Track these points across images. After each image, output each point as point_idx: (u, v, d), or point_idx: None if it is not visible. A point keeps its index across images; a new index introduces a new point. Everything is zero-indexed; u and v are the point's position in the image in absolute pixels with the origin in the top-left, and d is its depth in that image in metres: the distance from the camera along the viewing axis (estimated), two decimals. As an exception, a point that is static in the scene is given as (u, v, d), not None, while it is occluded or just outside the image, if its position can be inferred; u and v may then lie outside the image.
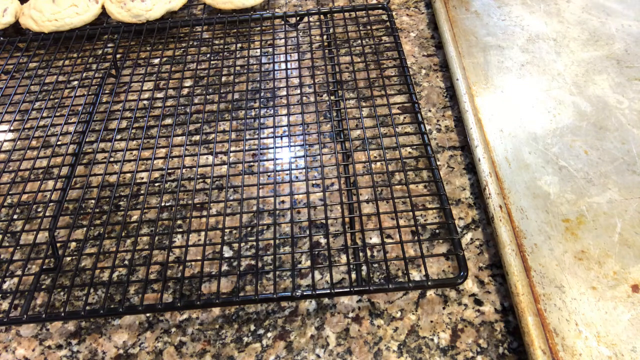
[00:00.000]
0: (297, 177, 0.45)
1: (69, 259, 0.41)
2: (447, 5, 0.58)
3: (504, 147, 0.44)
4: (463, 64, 0.50)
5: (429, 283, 0.34)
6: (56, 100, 0.54)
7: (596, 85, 0.48)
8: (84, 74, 0.55)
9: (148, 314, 0.37)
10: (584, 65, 0.50)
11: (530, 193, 0.41)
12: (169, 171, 0.46)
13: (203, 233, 0.41)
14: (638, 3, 0.57)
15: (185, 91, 0.54)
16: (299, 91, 0.50)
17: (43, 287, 0.39)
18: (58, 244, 0.41)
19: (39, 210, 0.45)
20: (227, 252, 0.40)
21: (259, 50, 0.57)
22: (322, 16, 0.59)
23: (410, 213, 0.41)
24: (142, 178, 0.46)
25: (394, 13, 0.61)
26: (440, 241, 0.40)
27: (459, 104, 0.46)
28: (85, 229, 0.40)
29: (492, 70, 0.51)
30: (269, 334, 0.36)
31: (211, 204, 0.43)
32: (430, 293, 0.37)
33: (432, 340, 0.35)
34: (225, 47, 0.56)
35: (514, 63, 0.51)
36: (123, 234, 0.41)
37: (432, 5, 0.58)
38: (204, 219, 0.42)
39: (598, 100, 0.47)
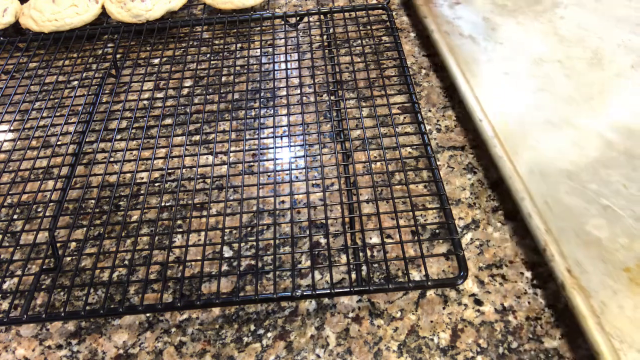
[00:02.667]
0: (297, 177, 0.45)
1: (69, 259, 0.41)
2: (441, 32, 0.54)
3: (540, 191, 0.39)
4: (478, 100, 0.46)
5: (429, 283, 0.34)
6: (56, 100, 0.54)
7: (614, 109, 0.45)
8: (84, 74, 0.55)
9: (148, 314, 0.37)
10: (597, 88, 0.47)
11: (581, 241, 0.36)
12: (169, 171, 0.46)
13: (203, 233, 0.41)
14: (631, 16, 0.54)
15: (185, 91, 0.54)
16: (299, 91, 0.50)
17: (43, 287, 0.39)
18: (58, 244, 0.41)
19: (39, 210, 0.45)
20: (227, 252, 0.40)
21: (259, 50, 0.57)
22: (322, 16, 0.59)
23: (410, 213, 0.41)
24: (142, 178, 0.46)
25: (394, 13, 0.61)
26: (440, 241, 0.40)
27: (489, 149, 0.42)
28: (85, 229, 0.40)
29: (507, 103, 0.46)
30: (269, 334, 0.36)
31: (211, 204, 0.43)
32: (430, 293, 0.37)
33: (432, 340, 0.35)
34: (225, 47, 0.56)
35: (525, 92, 0.48)
36: (123, 234, 0.41)
37: (430, 36, 0.54)
38: (204, 219, 0.42)
39: (621, 125, 0.44)
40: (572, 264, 0.35)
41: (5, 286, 0.40)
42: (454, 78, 0.48)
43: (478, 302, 0.36)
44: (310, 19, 0.60)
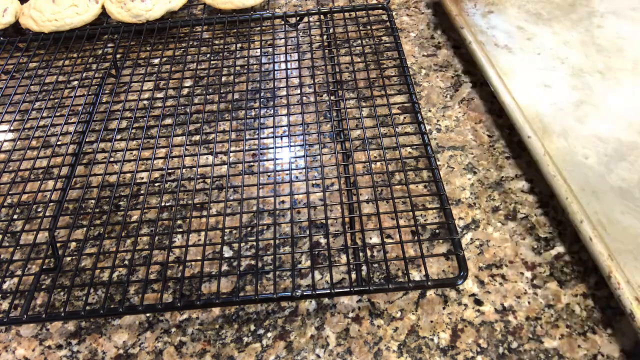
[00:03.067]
0: (297, 177, 0.45)
1: (69, 259, 0.41)
2: (477, 42, 0.52)
3: (593, 210, 0.38)
4: (525, 115, 0.43)
5: (429, 283, 0.34)
6: (56, 100, 0.54)
7: None
8: (84, 74, 0.55)
9: (148, 314, 0.37)
10: None
11: None
12: (169, 171, 0.46)
13: (203, 233, 0.41)
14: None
15: (185, 91, 0.54)
16: (299, 91, 0.50)
17: (43, 287, 0.39)
18: (58, 244, 0.41)
19: (39, 210, 0.45)
20: (227, 252, 0.40)
21: (259, 50, 0.57)
22: (322, 16, 0.59)
23: (410, 213, 0.41)
24: (142, 178, 0.46)
25: (394, 13, 0.61)
26: (440, 241, 0.40)
27: (541, 167, 0.40)
28: (85, 229, 0.40)
29: (547, 116, 0.45)
30: (269, 334, 0.36)
31: (211, 204, 0.43)
32: (430, 293, 0.37)
33: (432, 340, 0.35)
34: (225, 47, 0.56)
35: (567, 104, 0.46)
36: (123, 234, 0.41)
37: (467, 47, 0.51)
38: (204, 219, 0.42)
39: None
40: (638, 291, 0.33)
41: (5, 286, 0.40)
42: (496, 91, 0.46)
43: (478, 302, 0.36)
44: (310, 19, 0.60)
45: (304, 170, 0.43)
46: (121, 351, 0.36)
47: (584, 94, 0.47)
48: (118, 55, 0.56)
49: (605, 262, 0.34)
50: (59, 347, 0.36)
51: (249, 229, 0.41)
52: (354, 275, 0.37)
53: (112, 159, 0.47)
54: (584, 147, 0.42)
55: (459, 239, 0.36)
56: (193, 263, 0.40)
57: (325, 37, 0.58)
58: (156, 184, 0.45)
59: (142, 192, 0.45)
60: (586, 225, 0.36)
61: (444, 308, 0.36)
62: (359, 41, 0.57)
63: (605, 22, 0.54)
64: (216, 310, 0.37)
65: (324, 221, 0.41)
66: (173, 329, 0.36)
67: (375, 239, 0.40)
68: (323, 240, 0.40)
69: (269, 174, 0.45)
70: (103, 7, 0.60)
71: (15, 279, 0.40)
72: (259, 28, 0.59)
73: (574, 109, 0.46)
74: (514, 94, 0.46)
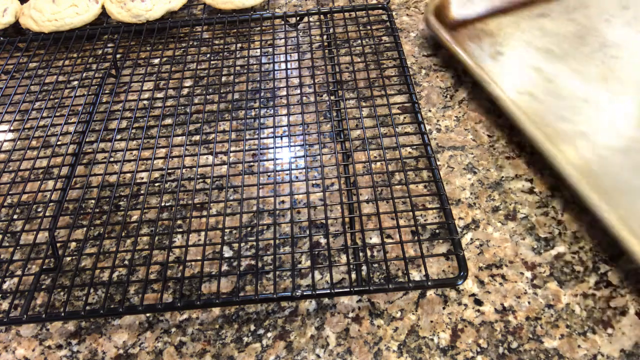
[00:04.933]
0: (297, 177, 0.45)
1: (69, 259, 0.41)
2: (502, 89, 0.46)
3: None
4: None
5: (429, 283, 0.34)
6: (56, 100, 0.54)
7: None
8: (84, 74, 0.55)
9: (148, 314, 0.37)
10: None
11: None
12: (169, 171, 0.46)
13: (203, 233, 0.41)
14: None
15: (185, 91, 0.54)
16: (299, 91, 0.50)
17: (43, 287, 0.39)
18: (58, 244, 0.41)
19: (39, 210, 0.45)
20: (227, 252, 0.40)
21: (259, 50, 0.57)
22: (322, 16, 0.59)
23: (410, 213, 0.41)
24: (142, 178, 0.46)
25: (394, 13, 0.61)
26: (440, 241, 0.40)
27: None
28: (85, 229, 0.40)
29: (595, 173, 0.41)
30: (269, 334, 0.36)
31: (211, 204, 0.43)
32: (430, 293, 0.37)
33: (432, 340, 0.35)
34: (225, 47, 0.56)
35: (613, 152, 0.42)
36: (123, 234, 0.41)
37: (492, 94, 0.46)
38: (204, 219, 0.42)
39: None
40: None
41: (5, 286, 0.40)
42: (537, 143, 0.41)
43: (478, 302, 0.36)
44: (310, 19, 0.60)
45: (304, 170, 0.43)
46: (121, 351, 0.36)
47: (630, 143, 0.43)
48: (118, 55, 0.56)
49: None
50: (59, 347, 0.36)
51: (249, 229, 0.41)
52: (354, 275, 0.37)
53: (112, 159, 0.47)
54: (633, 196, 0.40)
55: (459, 239, 0.36)
56: (193, 263, 0.40)
57: (325, 37, 0.58)
58: (156, 184, 0.45)
59: (142, 192, 0.45)
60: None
61: (444, 308, 0.36)
62: (359, 41, 0.57)
63: (619, 53, 0.50)
64: (216, 310, 0.37)
65: (324, 221, 0.41)
66: (173, 329, 0.36)
67: (375, 239, 0.40)
68: (323, 240, 0.40)
69: (269, 174, 0.45)
70: (103, 7, 0.60)
71: (15, 279, 0.40)
72: (259, 28, 0.59)
73: (621, 157, 0.42)
74: (555, 142, 0.43)
